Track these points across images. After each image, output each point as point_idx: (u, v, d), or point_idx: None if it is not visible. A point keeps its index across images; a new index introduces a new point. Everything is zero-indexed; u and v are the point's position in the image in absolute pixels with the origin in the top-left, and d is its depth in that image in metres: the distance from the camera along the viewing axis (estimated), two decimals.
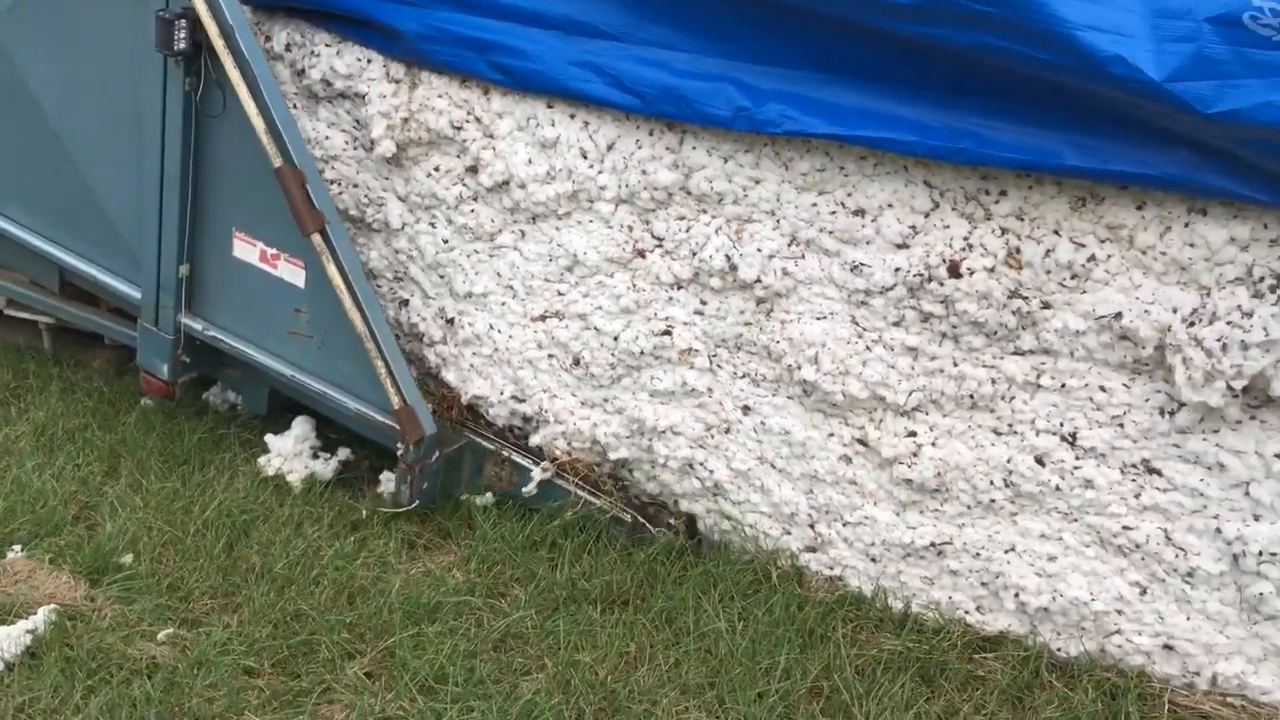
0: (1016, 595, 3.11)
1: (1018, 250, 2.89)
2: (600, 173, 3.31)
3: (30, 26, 3.89)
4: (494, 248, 3.57)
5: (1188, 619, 2.94)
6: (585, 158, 3.32)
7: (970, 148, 2.81)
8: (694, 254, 3.25)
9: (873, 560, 3.29)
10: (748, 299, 3.25)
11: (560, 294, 3.49)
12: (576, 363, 3.52)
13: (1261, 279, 2.69)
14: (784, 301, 3.20)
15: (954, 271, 2.95)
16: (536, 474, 3.67)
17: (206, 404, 4.42)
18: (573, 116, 3.31)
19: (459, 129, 3.47)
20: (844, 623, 3.23)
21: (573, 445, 3.62)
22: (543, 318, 3.54)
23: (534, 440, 3.70)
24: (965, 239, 2.94)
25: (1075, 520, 3.02)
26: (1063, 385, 2.95)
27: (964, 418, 3.08)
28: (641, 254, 3.35)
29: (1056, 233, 2.85)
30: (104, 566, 3.42)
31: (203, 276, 3.90)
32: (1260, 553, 2.80)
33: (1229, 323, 2.70)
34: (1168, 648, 2.98)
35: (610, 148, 3.29)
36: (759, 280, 3.19)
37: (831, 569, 3.38)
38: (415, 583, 3.43)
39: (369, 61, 3.55)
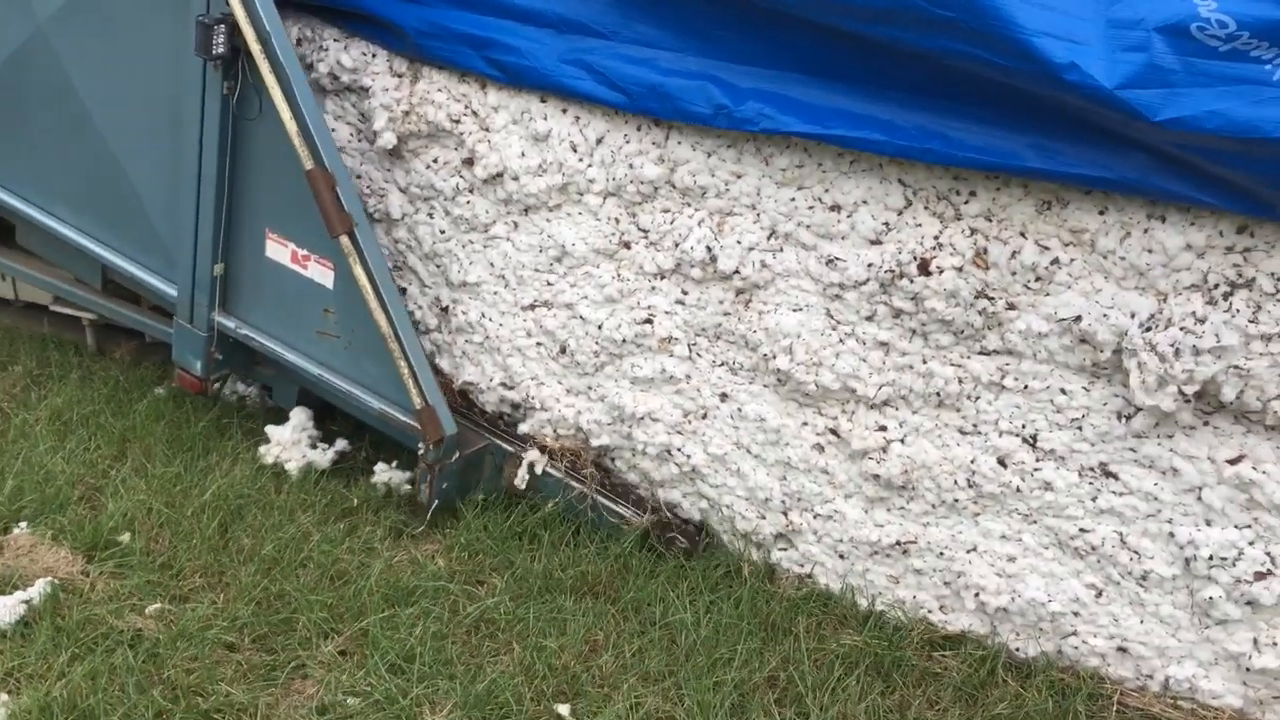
0: (977, 595, 3.16)
1: (985, 251, 2.94)
2: (589, 166, 3.41)
3: (78, 30, 4.00)
4: (488, 238, 3.68)
5: (1141, 622, 2.97)
6: (575, 151, 3.42)
7: (938, 148, 2.88)
8: (677, 245, 3.34)
9: (841, 557, 3.35)
10: (727, 290, 3.32)
11: (549, 284, 3.59)
12: (563, 351, 3.62)
13: (1216, 286, 2.72)
14: (762, 293, 3.27)
15: (924, 269, 3.01)
16: (526, 460, 3.75)
17: (216, 396, 4.56)
18: (564, 111, 3.41)
19: (457, 122, 3.58)
20: (807, 618, 3.29)
21: (558, 433, 3.72)
22: (532, 307, 3.65)
23: (523, 428, 3.80)
24: (936, 238, 3.00)
25: (1034, 522, 3.06)
26: (1025, 387, 3.00)
27: (931, 415, 3.14)
28: (627, 245, 3.44)
29: (1023, 235, 2.90)
30: (102, 543, 3.56)
31: (237, 276, 3.99)
32: (1210, 557, 2.83)
33: (1182, 328, 2.73)
34: (1122, 650, 3.01)
35: (599, 142, 3.38)
36: (738, 271, 3.27)
37: (802, 566, 3.44)
38: (397, 568, 3.53)
39: (374, 56, 3.67)
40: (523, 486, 3.76)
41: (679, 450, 3.49)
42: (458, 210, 3.68)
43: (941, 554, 3.19)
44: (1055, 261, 2.88)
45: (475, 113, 3.54)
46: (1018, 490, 3.05)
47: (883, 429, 3.19)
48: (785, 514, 3.39)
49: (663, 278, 3.40)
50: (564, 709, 2.97)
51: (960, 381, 3.08)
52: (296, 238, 3.76)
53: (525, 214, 3.57)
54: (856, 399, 3.20)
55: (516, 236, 3.61)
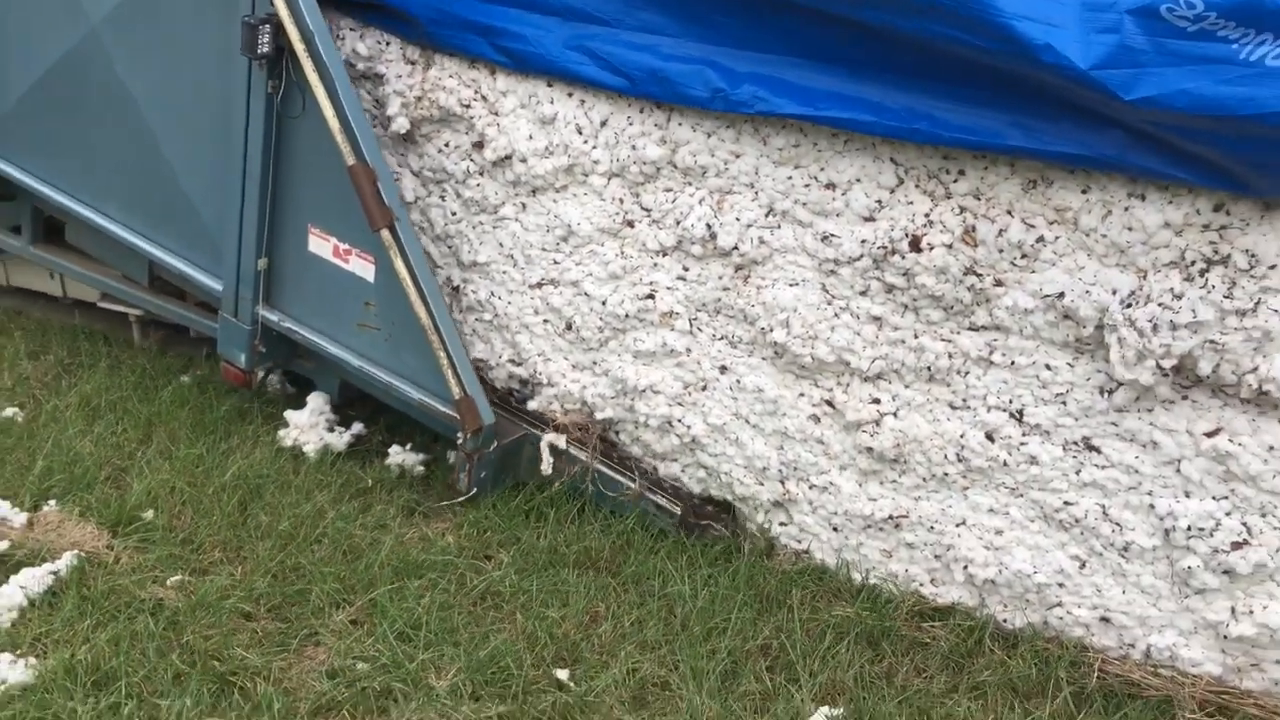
0: (966, 567, 3.25)
1: (973, 229, 3.03)
2: (594, 148, 3.52)
3: (129, 30, 4.11)
4: (497, 219, 3.80)
5: (1123, 592, 3.05)
6: (580, 133, 3.53)
7: (925, 128, 2.97)
8: (678, 223, 3.45)
9: (835, 530, 3.45)
10: (726, 265, 3.43)
11: (556, 262, 3.71)
12: (569, 327, 3.74)
13: (1193, 263, 2.80)
14: (760, 268, 3.38)
15: (915, 246, 3.10)
16: (545, 440, 3.85)
17: (260, 387, 4.71)
18: (570, 95, 3.52)
19: (467, 107, 3.70)
20: (802, 590, 3.39)
21: (565, 408, 3.84)
22: (539, 285, 3.77)
23: (532, 405, 3.92)
24: (926, 215, 3.09)
25: (1021, 495, 3.14)
26: (1012, 362, 3.08)
27: (922, 390, 3.23)
28: (630, 224, 3.55)
29: (1009, 213, 2.99)
30: (126, 520, 3.71)
31: (280, 270, 4.08)
32: (1189, 528, 2.90)
33: (1160, 304, 2.82)
34: (1105, 620, 3.09)
35: (604, 124, 3.49)
36: (737, 248, 3.37)
37: (799, 542, 3.54)
38: (407, 544, 3.66)
39: (388, 45, 3.80)
40: (548, 471, 3.85)
41: (679, 421, 3.60)
42: (468, 193, 3.81)
43: (932, 528, 3.28)
44: (1040, 239, 2.96)
45: (484, 98, 3.67)
46: (1005, 464, 3.13)
47: (876, 401, 3.28)
48: (782, 482, 3.49)
49: (664, 255, 3.51)
50: (563, 673, 3.09)
51: (950, 356, 3.16)
52: (338, 232, 3.87)
53: (533, 195, 3.69)
54: (851, 372, 3.30)
55: (524, 217, 3.73)
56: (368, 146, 3.61)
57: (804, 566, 3.49)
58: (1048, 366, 3.04)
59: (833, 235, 3.22)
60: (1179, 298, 2.80)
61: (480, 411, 3.72)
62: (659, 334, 3.57)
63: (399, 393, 3.93)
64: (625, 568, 3.53)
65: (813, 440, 3.41)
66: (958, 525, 3.25)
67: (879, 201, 3.15)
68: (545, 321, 3.79)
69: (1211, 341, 2.77)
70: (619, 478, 3.77)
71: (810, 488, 3.45)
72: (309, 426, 4.23)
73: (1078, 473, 3.05)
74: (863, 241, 3.17)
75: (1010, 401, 3.11)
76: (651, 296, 3.55)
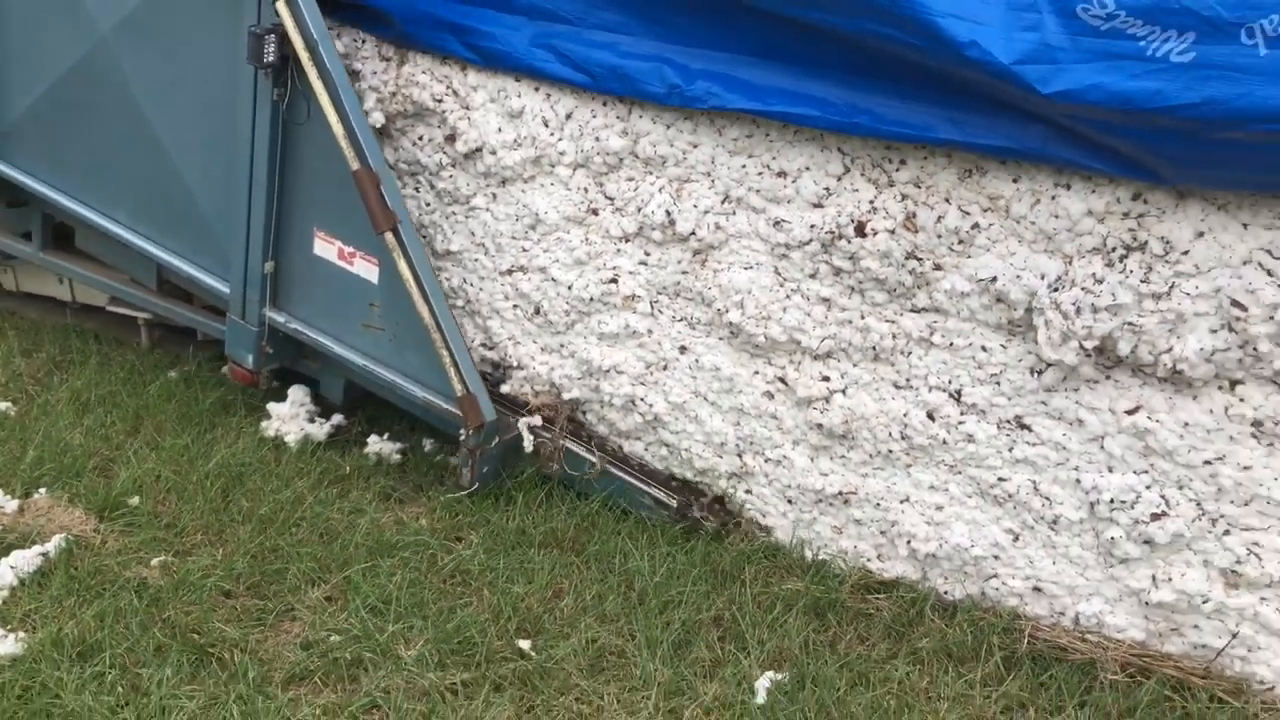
0: (909, 543, 3.41)
1: (914, 215, 3.20)
2: (560, 140, 3.70)
3: (138, 40, 4.24)
4: (469, 210, 3.98)
5: (1054, 563, 3.21)
6: (547, 126, 3.71)
7: (865, 122, 3.16)
8: (639, 210, 3.62)
9: (789, 502, 3.61)
10: (685, 250, 3.60)
11: (525, 250, 3.89)
12: (537, 311, 3.92)
13: (1114, 249, 2.97)
14: (716, 253, 3.55)
15: (860, 231, 3.27)
16: (522, 423, 3.99)
17: (224, 377, 4.88)
18: (537, 89, 3.71)
19: (440, 101, 3.87)
20: (755, 566, 3.56)
21: (535, 389, 4.01)
22: (509, 271, 3.94)
23: (505, 388, 4.08)
24: (871, 202, 3.26)
25: (959, 472, 3.31)
26: (951, 344, 3.25)
27: (869, 369, 3.40)
28: (595, 212, 3.73)
29: (947, 201, 3.15)
30: (113, 505, 3.88)
31: (286, 273, 4.19)
32: (1112, 501, 3.07)
33: (1083, 288, 2.99)
34: (1037, 590, 3.26)
35: (569, 117, 3.67)
36: (694, 233, 3.55)
37: (762, 515, 3.69)
38: (382, 526, 3.83)
39: (364, 42, 3.97)
40: (530, 449, 3.96)
41: (642, 400, 3.78)
42: (441, 184, 3.99)
43: (878, 504, 3.45)
44: (975, 226, 3.13)
45: (456, 92, 3.84)
46: (944, 442, 3.30)
47: (826, 379, 3.45)
48: (740, 456, 3.66)
49: (627, 241, 3.69)
50: (525, 644, 3.25)
51: (894, 337, 3.33)
52: (343, 235, 3.99)
53: (503, 185, 3.87)
54: (802, 350, 3.47)
55: (495, 207, 3.90)
56: (371, 152, 3.74)
57: (760, 545, 3.66)
58: (983, 348, 3.21)
59: (784, 221, 3.39)
60: (1100, 282, 2.97)
61: (482, 408, 3.84)
62: (622, 316, 3.75)
63: (403, 391, 4.04)
64: (589, 546, 3.69)
65: (767, 416, 3.58)
66: (902, 502, 3.41)
67: (827, 189, 3.32)
68: (515, 307, 3.97)
69: (1130, 324, 2.94)
70: (589, 457, 3.93)
71: (765, 461, 3.62)
72: (290, 417, 4.41)
73: (1011, 450, 3.21)
74: (812, 227, 3.35)
75: (949, 381, 3.28)
76: (615, 281, 3.73)
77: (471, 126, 3.83)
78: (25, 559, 3.55)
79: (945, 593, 3.40)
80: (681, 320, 3.68)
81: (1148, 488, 3.04)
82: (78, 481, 4.03)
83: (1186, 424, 2.96)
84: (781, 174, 3.38)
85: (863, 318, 3.37)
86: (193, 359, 5.08)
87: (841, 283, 3.37)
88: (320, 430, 4.41)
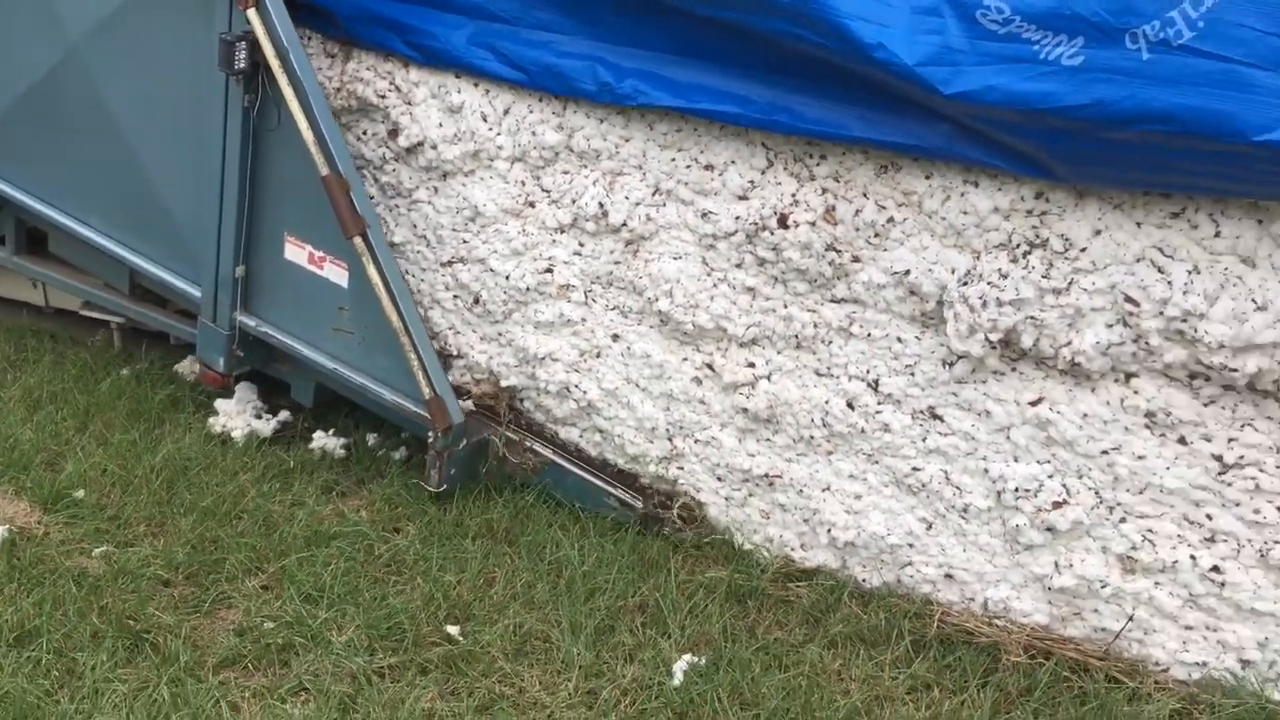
0: (829, 531, 3.52)
1: (834, 208, 3.31)
2: (498, 134, 3.80)
3: (109, 49, 4.28)
4: (411, 203, 4.08)
5: (964, 551, 3.32)
6: (486, 121, 3.81)
7: (784, 120, 3.26)
8: (574, 202, 3.72)
9: (719, 479, 3.71)
10: (617, 241, 3.71)
11: (465, 241, 3.98)
12: (476, 301, 4.01)
13: (1018, 245, 3.09)
14: (647, 243, 3.66)
15: (783, 223, 3.38)
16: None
17: (175, 374, 4.97)
18: (476, 85, 3.80)
19: (383, 97, 3.96)
20: (682, 556, 3.66)
21: (476, 378, 4.10)
22: (450, 263, 4.04)
23: (449, 377, 4.17)
24: (793, 195, 3.36)
25: (876, 461, 3.42)
26: (869, 334, 3.36)
27: (792, 356, 3.50)
28: (531, 204, 3.83)
29: (864, 195, 3.26)
30: (58, 498, 3.95)
31: (257, 277, 4.23)
32: (1016, 489, 3.18)
33: (989, 283, 3.10)
34: (949, 576, 3.36)
35: (506, 112, 3.77)
36: (626, 224, 3.65)
37: (693, 490, 3.78)
38: (322, 518, 3.91)
39: (309, 39, 4.05)
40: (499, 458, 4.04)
41: (576, 387, 3.87)
42: (385, 178, 4.09)
43: (801, 491, 3.55)
44: (891, 220, 3.24)
45: (399, 88, 3.94)
46: (862, 431, 3.41)
47: (751, 365, 3.55)
48: (670, 439, 3.76)
49: (562, 232, 3.79)
50: (454, 629, 3.34)
51: (815, 326, 3.44)
52: (313, 240, 4.05)
53: (444, 179, 3.96)
54: (728, 338, 3.58)
55: (436, 200, 4.00)
56: (340, 157, 3.80)
57: (687, 536, 3.76)
58: (899, 339, 3.32)
59: (711, 212, 3.50)
60: (1005, 277, 3.09)
61: (450, 410, 3.90)
62: (557, 305, 3.85)
63: (372, 394, 4.10)
64: (522, 537, 3.79)
65: (696, 401, 3.69)
66: (823, 490, 3.52)
67: (751, 182, 3.43)
68: (455, 297, 4.07)
69: (1032, 318, 3.05)
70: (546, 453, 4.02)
71: (695, 442, 3.72)
72: (236, 413, 4.49)
73: (924, 440, 3.32)
74: (737, 218, 3.45)
75: (868, 371, 3.38)
76: (550, 271, 3.83)
77: (413, 122, 3.93)
78: None
79: (863, 580, 3.51)
80: (614, 309, 3.78)
81: (1050, 477, 3.15)
82: (24, 475, 4.09)
83: (1085, 415, 3.07)
84: (709, 167, 3.49)
85: (785, 307, 3.47)
86: (145, 357, 5.15)
87: (765, 273, 3.47)
88: (266, 426, 4.49)
